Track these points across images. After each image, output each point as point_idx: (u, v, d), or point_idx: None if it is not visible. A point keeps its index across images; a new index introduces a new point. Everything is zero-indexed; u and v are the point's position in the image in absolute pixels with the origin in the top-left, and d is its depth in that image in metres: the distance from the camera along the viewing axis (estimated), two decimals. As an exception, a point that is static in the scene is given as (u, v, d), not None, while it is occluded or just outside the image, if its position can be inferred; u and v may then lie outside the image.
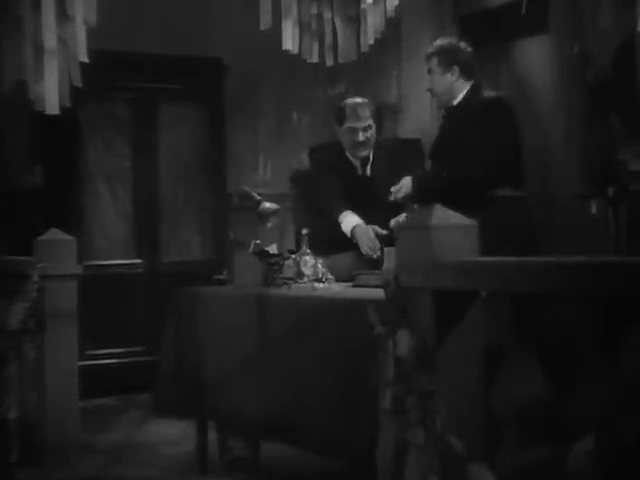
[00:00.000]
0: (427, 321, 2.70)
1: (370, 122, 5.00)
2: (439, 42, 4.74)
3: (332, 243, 4.83)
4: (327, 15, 5.40)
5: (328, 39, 5.42)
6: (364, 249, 4.73)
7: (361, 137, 4.98)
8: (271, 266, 4.30)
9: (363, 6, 5.72)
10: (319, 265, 4.23)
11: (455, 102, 4.65)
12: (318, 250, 4.42)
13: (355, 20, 5.67)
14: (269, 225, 5.56)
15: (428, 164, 5.03)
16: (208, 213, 7.44)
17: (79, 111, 6.69)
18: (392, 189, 4.60)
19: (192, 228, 7.42)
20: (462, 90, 4.64)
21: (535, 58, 6.51)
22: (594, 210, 5.85)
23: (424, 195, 4.45)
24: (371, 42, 5.82)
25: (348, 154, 5.07)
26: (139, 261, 7.23)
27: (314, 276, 4.18)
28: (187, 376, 4.46)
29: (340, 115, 5.08)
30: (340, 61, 5.60)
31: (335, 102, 7.88)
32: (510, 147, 4.49)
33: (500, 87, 6.12)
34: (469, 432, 2.62)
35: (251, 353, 4.02)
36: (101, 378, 6.59)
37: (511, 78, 6.62)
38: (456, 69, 4.62)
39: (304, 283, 4.20)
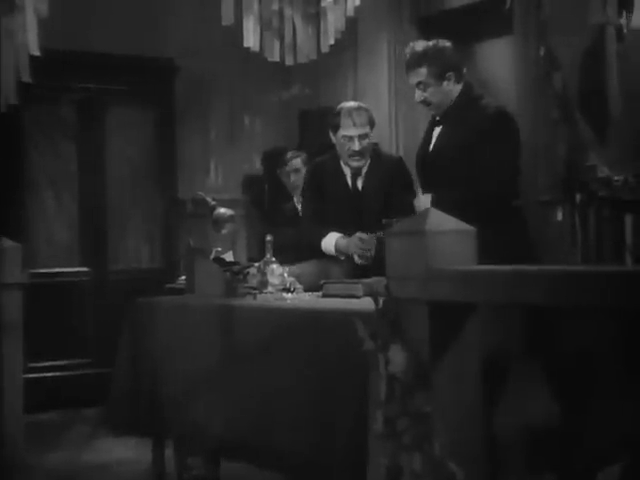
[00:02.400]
0: (422, 335, 2.47)
1: (367, 130, 4.59)
2: (416, 48, 4.35)
3: (297, 250, 4.60)
4: (288, 12, 5.15)
5: (288, 37, 5.18)
6: (355, 257, 4.42)
7: (357, 146, 4.57)
8: (235, 275, 4.05)
9: (323, 4, 5.48)
10: (286, 274, 3.99)
11: (449, 106, 4.36)
12: (282, 258, 4.19)
13: (315, 18, 5.43)
14: (224, 232, 5.36)
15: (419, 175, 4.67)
16: (157, 219, 7.17)
17: (22, 112, 6.38)
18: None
19: (141, 235, 7.17)
20: (456, 92, 4.37)
21: (498, 60, 6.35)
22: (560, 217, 5.68)
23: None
24: (331, 42, 5.58)
25: (342, 164, 4.69)
26: (85, 269, 6.96)
27: (281, 285, 3.94)
28: (143, 391, 4.19)
29: (335, 121, 4.63)
30: (300, 61, 5.36)
31: (288, 104, 7.78)
32: (518, 163, 4.32)
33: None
34: (470, 457, 2.39)
35: (215, 367, 3.77)
36: (45, 392, 6.31)
37: (473, 81, 6.42)
38: (452, 75, 4.33)
39: (270, 293, 3.96)
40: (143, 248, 7.16)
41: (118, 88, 6.99)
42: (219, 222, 5.41)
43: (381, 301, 2.54)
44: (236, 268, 4.09)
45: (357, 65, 7.26)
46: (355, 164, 4.63)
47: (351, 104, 4.73)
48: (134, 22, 7.00)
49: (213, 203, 5.25)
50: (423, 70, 4.31)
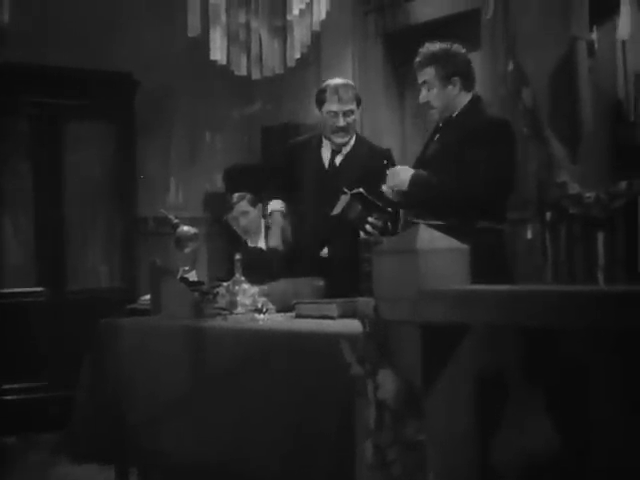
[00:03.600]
0: (414, 359, 2.34)
1: (352, 106, 4.60)
2: (429, 48, 4.22)
3: (266, 269, 4.46)
4: (254, 24, 5.03)
5: (255, 50, 5.05)
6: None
7: (342, 122, 4.58)
8: (204, 295, 3.89)
9: (289, 17, 5.37)
10: (257, 294, 3.85)
11: (454, 114, 4.21)
12: (249, 277, 4.05)
13: (282, 31, 5.32)
14: (187, 250, 5.19)
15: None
16: (117, 238, 6.99)
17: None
18: (385, 184, 4.09)
19: (100, 254, 6.98)
20: (462, 102, 4.21)
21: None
22: (530, 235, 5.60)
23: (417, 195, 4.04)
24: (297, 56, 5.48)
25: (323, 142, 4.70)
26: (41, 289, 6.73)
27: (253, 306, 3.79)
28: (107, 416, 4.02)
29: (320, 97, 4.66)
30: (266, 74, 5.23)
31: (250, 120, 7.64)
32: (510, 176, 4.17)
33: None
34: (467, 488, 2.26)
35: (184, 392, 3.60)
36: (1, 416, 6.10)
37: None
38: (457, 81, 4.19)
39: (241, 314, 3.81)
40: (102, 267, 6.97)
41: (76, 103, 6.79)
42: (182, 240, 5.23)
43: (369, 323, 2.40)
44: (205, 288, 3.93)
45: (320, 81, 7.10)
46: (338, 140, 4.63)
47: (337, 80, 4.74)
48: (92, 35, 6.84)
49: (176, 221, 5.09)
50: (430, 70, 4.18)
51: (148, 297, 5.89)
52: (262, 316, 3.69)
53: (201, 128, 7.57)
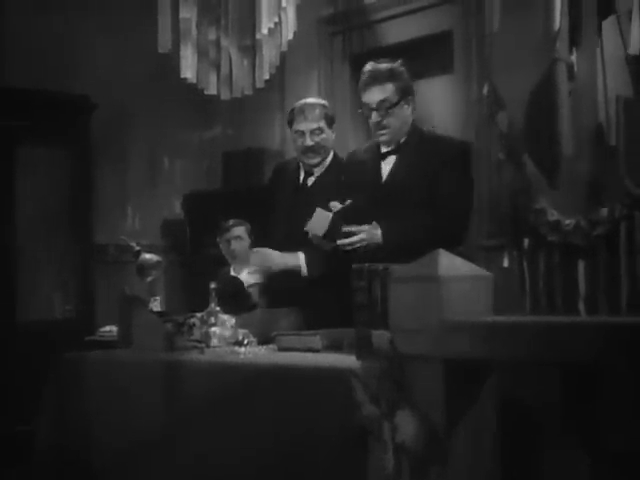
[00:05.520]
0: (435, 398, 2.11)
1: (321, 124, 4.39)
2: (383, 65, 4.07)
3: (239, 298, 4.22)
4: (224, 42, 4.81)
5: (225, 69, 4.83)
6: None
7: (309, 141, 4.38)
8: (179, 327, 3.63)
9: (258, 36, 5.15)
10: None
11: (402, 139, 4.08)
12: (222, 308, 3.81)
13: (251, 51, 5.10)
14: (149, 279, 4.94)
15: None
16: (72, 266, 6.67)
17: None
18: (346, 241, 3.92)
19: (53, 284, 6.64)
20: (408, 122, 4.09)
21: (437, 100, 6.08)
22: (506, 263, 5.40)
23: (391, 247, 3.84)
24: (266, 77, 5.25)
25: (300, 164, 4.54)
26: (-10, 321, 6.39)
27: (233, 338, 3.53)
28: (71, 458, 3.74)
29: (289, 117, 4.51)
30: (235, 95, 5.01)
31: (210, 145, 7.41)
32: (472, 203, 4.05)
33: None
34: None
35: (158, 431, 3.34)
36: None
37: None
38: (411, 100, 4.07)
39: (219, 347, 3.56)
40: (56, 297, 6.65)
41: (28, 125, 6.48)
42: (145, 268, 4.98)
43: (384, 358, 2.17)
44: (180, 319, 3.67)
45: (284, 105, 6.89)
46: (308, 161, 4.46)
47: (306, 100, 4.59)
48: (46, 56, 6.59)
49: (138, 248, 4.84)
50: (390, 86, 4.02)
51: (108, 328, 5.63)
52: (243, 349, 3.44)
53: (159, 153, 7.32)
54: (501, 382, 2.12)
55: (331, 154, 4.52)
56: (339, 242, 3.92)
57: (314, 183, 4.51)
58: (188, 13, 4.53)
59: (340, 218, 4.02)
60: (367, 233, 3.91)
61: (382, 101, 4.01)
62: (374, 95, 4.04)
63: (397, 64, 4.11)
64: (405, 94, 4.04)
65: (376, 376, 2.17)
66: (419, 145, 4.06)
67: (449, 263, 2.17)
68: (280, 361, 3.18)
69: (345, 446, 2.40)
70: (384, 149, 4.12)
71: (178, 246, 7.15)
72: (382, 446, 2.12)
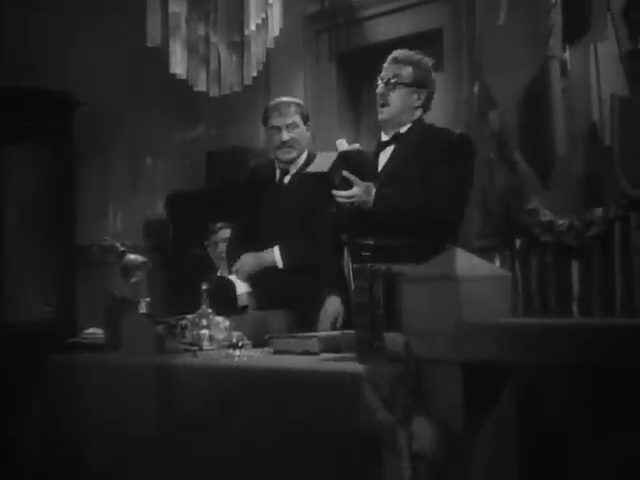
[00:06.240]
0: (453, 404, 2.02)
1: (296, 119, 4.44)
2: (409, 53, 4.09)
3: (230, 300, 4.13)
4: (213, 39, 4.72)
5: (214, 65, 4.75)
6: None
7: (285, 135, 4.40)
8: (171, 329, 3.53)
9: (247, 32, 5.08)
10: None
11: (403, 129, 4.04)
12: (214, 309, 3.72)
13: (239, 47, 5.02)
14: (134, 280, 4.83)
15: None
16: (54, 267, 6.55)
17: None
18: (342, 193, 3.85)
19: (35, 284, 6.52)
20: (412, 119, 4.08)
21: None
22: (498, 264, 5.33)
23: (380, 213, 3.83)
24: (254, 74, 5.19)
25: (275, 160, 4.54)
26: (-30, 322, 6.27)
27: (227, 341, 3.43)
28: (59, 465, 3.63)
29: (264, 116, 4.53)
30: (224, 92, 4.93)
31: (193, 145, 7.31)
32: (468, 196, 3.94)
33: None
34: None
35: (152, 438, 3.23)
36: None
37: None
38: (423, 94, 4.08)
39: (212, 350, 3.46)
40: (38, 299, 6.53)
41: (11, 124, 6.36)
42: (129, 269, 4.87)
43: (399, 362, 2.08)
44: (172, 320, 3.57)
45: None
46: (284, 156, 4.47)
47: (281, 98, 4.60)
48: (29, 53, 6.46)
49: (122, 249, 4.74)
50: (408, 69, 4.05)
51: (92, 330, 5.50)
52: (238, 352, 3.34)
53: (142, 152, 7.20)
54: (521, 386, 2.03)
55: (305, 152, 4.52)
56: (334, 192, 3.88)
57: (290, 181, 4.51)
58: (177, 7, 4.45)
59: (344, 160, 3.96)
60: (362, 191, 3.86)
61: (395, 78, 4.03)
62: (392, 71, 4.07)
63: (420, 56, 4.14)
64: (421, 84, 4.08)
65: (388, 381, 2.07)
66: (418, 135, 4.05)
67: (467, 262, 2.08)
68: (277, 364, 3.07)
69: (351, 454, 2.31)
70: (384, 138, 4.09)
71: (160, 246, 7.03)
72: (397, 455, 2.02)
